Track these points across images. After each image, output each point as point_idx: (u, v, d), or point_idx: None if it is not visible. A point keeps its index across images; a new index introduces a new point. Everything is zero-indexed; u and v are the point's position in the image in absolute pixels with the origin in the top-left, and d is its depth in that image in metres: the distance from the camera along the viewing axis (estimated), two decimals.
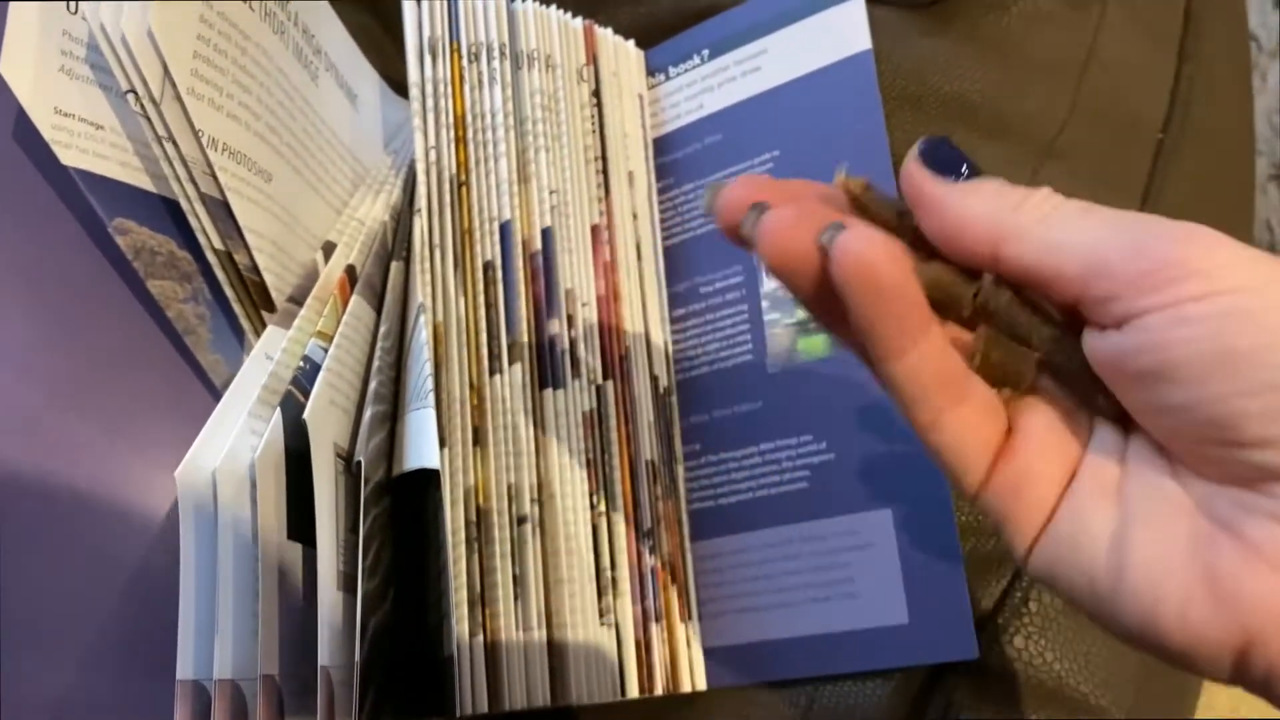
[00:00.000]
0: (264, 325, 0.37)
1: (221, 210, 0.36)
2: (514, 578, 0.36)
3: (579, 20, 0.45)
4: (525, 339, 0.38)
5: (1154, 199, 0.44)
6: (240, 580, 0.31)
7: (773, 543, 0.39)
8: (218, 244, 0.36)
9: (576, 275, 0.41)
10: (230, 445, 0.31)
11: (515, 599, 0.36)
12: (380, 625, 0.33)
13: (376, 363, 0.36)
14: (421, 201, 0.38)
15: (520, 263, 0.39)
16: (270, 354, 0.34)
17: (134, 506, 0.34)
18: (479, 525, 0.36)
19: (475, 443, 0.36)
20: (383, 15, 0.50)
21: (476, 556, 0.35)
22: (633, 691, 0.37)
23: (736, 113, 0.45)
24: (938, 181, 0.23)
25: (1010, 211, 0.22)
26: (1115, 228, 0.21)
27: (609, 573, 0.38)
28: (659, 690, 0.38)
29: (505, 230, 0.39)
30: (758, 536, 0.40)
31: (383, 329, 0.37)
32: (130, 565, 0.33)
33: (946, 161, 0.23)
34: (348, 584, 0.32)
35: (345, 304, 0.37)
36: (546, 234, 0.40)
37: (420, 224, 0.38)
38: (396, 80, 0.50)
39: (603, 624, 0.37)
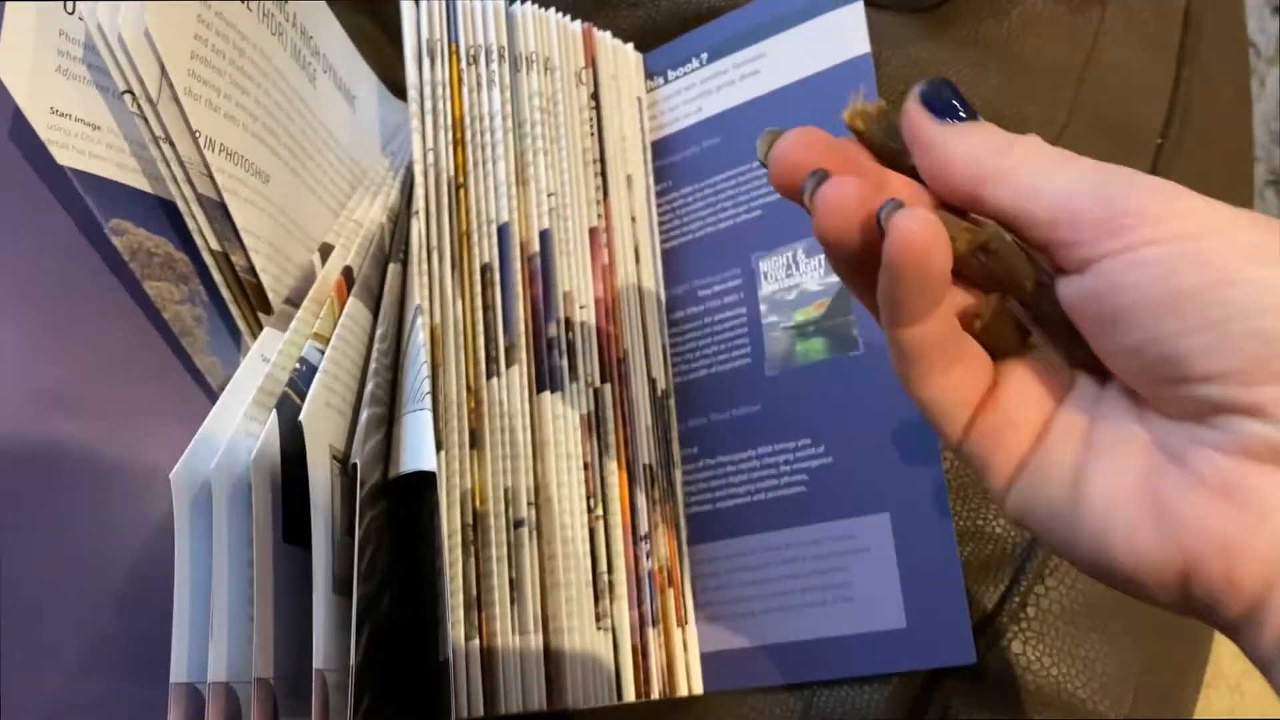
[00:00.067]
0: (260, 327, 0.37)
1: (218, 211, 0.36)
2: (510, 581, 0.36)
3: (578, 23, 0.45)
4: (523, 342, 0.38)
5: None
6: (235, 582, 0.30)
7: (770, 547, 0.39)
8: (215, 245, 0.36)
9: (574, 278, 0.41)
10: (226, 447, 0.31)
11: (511, 603, 0.36)
12: (376, 629, 0.33)
13: (373, 365, 0.36)
14: (419, 203, 0.38)
15: (518, 265, 0.39)
16: (267, 356, 0.34)
17: (129, 508, 0.34)
18: (475, 528, 0.36)
19: (472, 445, 0.36)
20: (381, 17, 0.50)
21: (473, 560, 0.35)
22: (629, 696, 0.37)
23: (735, 116, 0.45)
24: (933, 122, 0.24)
25: (995, 155, 0.23)
26: (1087, 178, 0.22)
27: (606, 576, 0.38)
28: (655, 694, 0.38)
29: (503, 233, 0.39)
30: (755, 540, 0.40)
31: (379, 331, 0.37)
32: (125, 567, 0.33)
33: (944, 104, 0.24)
34: (343, 587, 0.32)
35: (342, 306, 0.37)
36: (544, 236, 0.40)
37: (418, 226, 0.37)
38: (395, 82, 0.50)
39: (599, 628, 0.37)
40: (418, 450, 0.33)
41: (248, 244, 0.36)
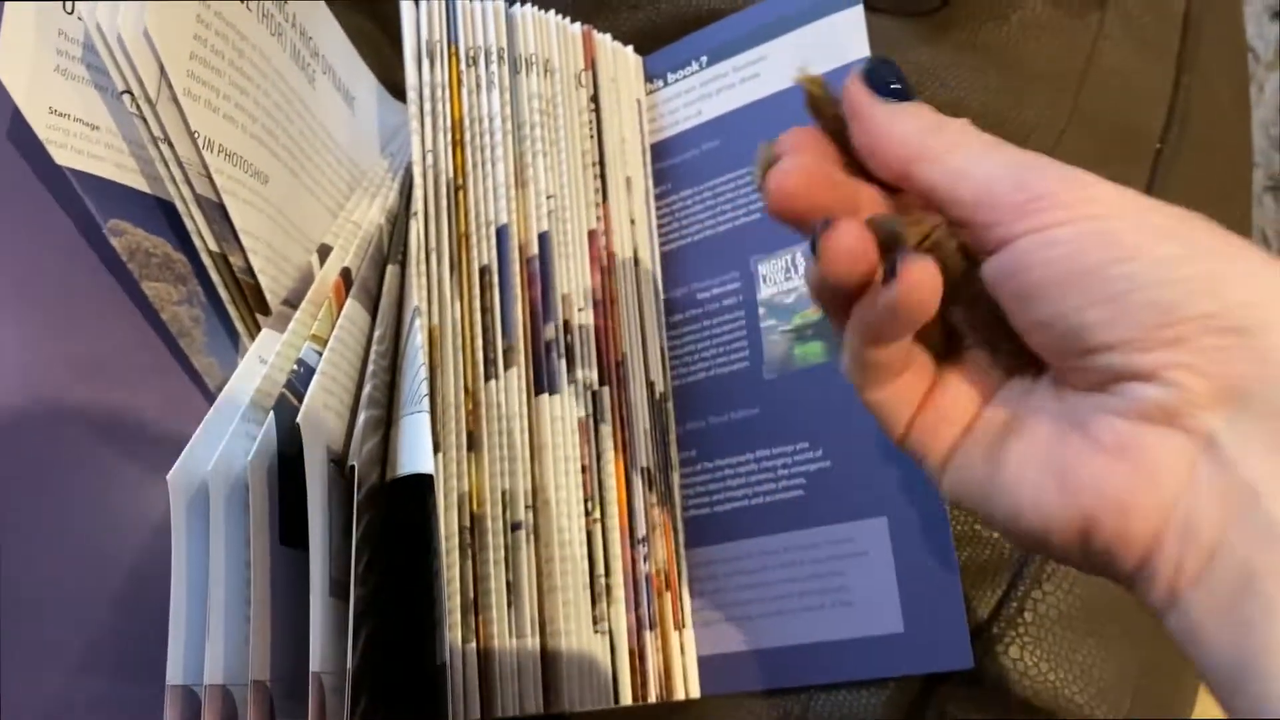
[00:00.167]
0: (258, 328, 0.36)
1: (217, 212, 0.35)
2: (508, 584, 0.36)
3: (578, 25, 0.45)
4: (521, 344, 0.38)
5: None
6: (232, 584, 0.30)
7: (768, 550, 0.39)
8: (213, 246, 0.36)
9: (573, 280, 0.41)
10: (223, 449, 0.31)
11: (509, 606, 0.36)
12: (373, 631, 0.33)
13: (371, 367, 0.36)
14: (418, 205, 0.38)
15: (517, 267, 0.39)
16: (264, 357, 0.34)
17: (126, 509, 0.34)
18: (473, 531, 0.36)
19: (470, 448, 0.36)
20: (381, 17, 0.50)
21: (470, 563, 0.35)
22: (626, 699, 0.37)
23: (735, 119, 0.45)
24: (871, 99, 0.26)
25: (927, 135, 0.25)
26: (1009, 164, 0.24)
27: (603, 580, 0.38)
28: (652, 698, 0.38)
29: (502, 234, 0.39)
30: (753, 544, 0.40)
31: (377, 333, 0.37)
32: (122, 568, 0.33)
33: (883, 82, 0.26)
34: (340, 590, 0.32)
35: (340, 307, 0.37)
36: (543, 239, 0.40)
37: (416, 227, 0.37)
38: (394, 83, 0.50)
39: (597, 631, 0.37)
40: (416, 452, 0.33)
41: (246, 245, 0.36)
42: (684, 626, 0.40)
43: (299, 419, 0.31)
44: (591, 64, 0.45)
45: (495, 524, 0.36)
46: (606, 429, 0.40)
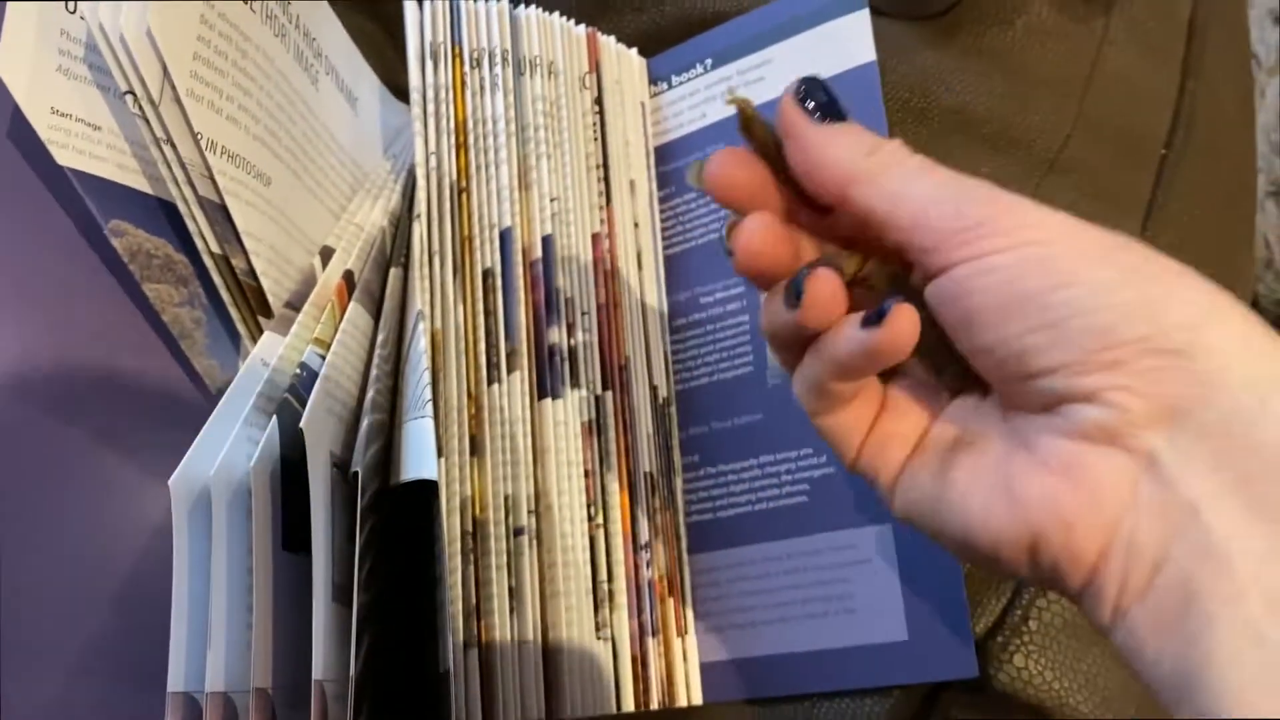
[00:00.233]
0: (260, 331, 0.36)
1: (219, 214, 0.35)
2: (510, 590, 0.35)
3: (582, 27, 0.45)
4: (524, 348, 0.38)
5: (1157, 214, 0.44)
6: (234, 590, 0.30)
7: (771, 557, 0.39)
8: (215, 248, 0.35)
9: (576, 284, 0.41)
10: (225, 453, 0.31)
11: (511, 611, 0.35)
12: (375, 638, 0.33)
13: (374, 371, 0.36)
14: (421, 207, 0.37)
15: (520, 270, 0.39)
16: (267, 360, 0.34)
17: (127, 514, 0.33)
18: (475, 536, 0.35)
19: (472, 452, 0.36)
20: (384, 18, 0.50)
21: (472, 568, 0.35)
22: (628, 706, 0.37)
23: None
24: (806, 120, 0.26)
25: (862, 157, 0.25)
26: (944, 189, 0.24)
27: (606, 585, 0.38)
28: (655, 705, 0.38)
29: (505, 237, 0.39)
30: (756, 550, 0.40)
31: (380, 337, 0.37)
32: (122, 574, 0.33)
33: (817, 103, 0.26)
34: (343, 595, 0.31)
35: (343, 310, 0.37)
36: (547, 242, 0.40)
37: (419, 230, 0.37)
38: (397, 85, 0.49)
39: (599, 637, 0.37)
40: (419, 458, 0.33)
41: (248, 247, 0.36)
42: (686, 633, 0.40)
43: (302, 424, 0.31)
44: (596, 66, 0.45)
45: (498, 529, 0.36)
46: (609, 434, 0.39)
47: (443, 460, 0.35)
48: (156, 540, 0.32)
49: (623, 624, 0.38)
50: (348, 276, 0.38)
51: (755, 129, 0.27)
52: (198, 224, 0.35)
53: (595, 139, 0.44)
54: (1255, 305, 0.88)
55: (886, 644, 0.36)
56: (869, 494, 0.38)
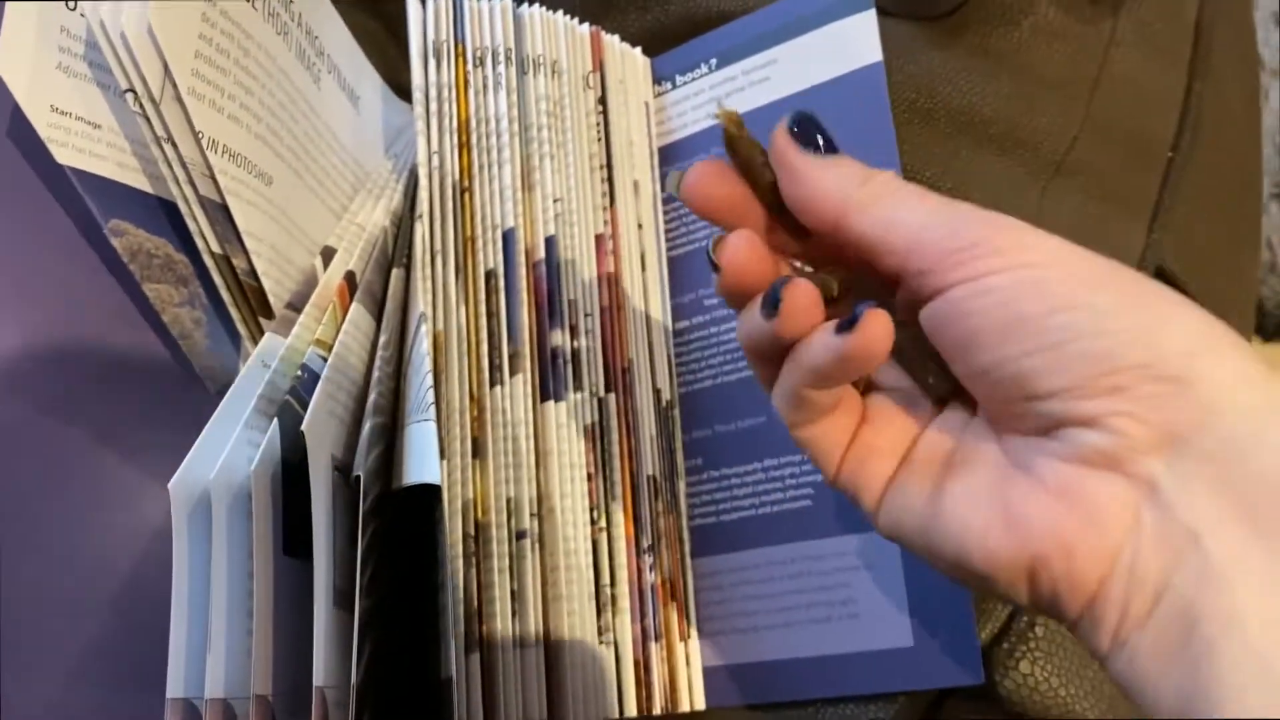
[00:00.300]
0: (261, 332, 0.36)
1: (220, 213, 0.35)
2: (512, 593, 0.35)
3: (586, 26, 0.45)
4: (527, 349, 0.38)
5: (1163, 216, 0.44)
6: (234, 595, 0.30)
7: (775, 561, 0.39)
8: (216, 248, 0.35)
9: (580, 285, 0.40)
10: (226, 456, 0.30)
11: (513, 615, 0.35)
12: (377, 644, 0.33)
13: (376, 373, 0.35)
14: (423, 207, 0.37)
15: (523, 271, 0.39)
16: (268, 362, 0.34)
17: (127, 516, 0.33)
18: (477, 539, 0.35)
19: (474, 455, 0.36)
20: (386, 17, 0.49)
21: (474, 571, 0.35)
22: (631, 711, 0.37)
23: (745, 123, 0.44)
24: (800, 152, 0.26)
25: (856, 187, 0.25)
26: (939, 213, 0.24)
27: (608, 589, 0.37)
28: (657, 709, 0.37)
29: (508, 238, 0.39)
30: (759, 554, 0.39)
31: (382, 338, 0.37)
32: (122, 578, 0.33)
33: (810, 136, 0.26)
34: (344, 600, 0.31)
35: (345, 311, 0.37)
36: (550, 242, 0.40)
37: (422, 230, 0.37)
38: (399, 84, 0.49)
39: (601, 642, 0.37)
40: (422, 462, 0.33)
41: (249, 247, 0.35)
42: (689, 637, 0.39)
43: (304, 427, 0.31)
44: (599, 65, 0.45)
45: (500, 532, 0.36)
46: (612, 436, 0.39)
47: (445, 462, 0.35)
48: (156, 543, 0.32)
49: (625, 628, 0.37)
50: (349, 277, 0.38)
51: (740, 147, 0.27)
52: (198, 223, 0.35)
53: (599, 139, 0.44)
54: (1259, 308, 0.87)
55: (891, 650, 0.36)
56: None
